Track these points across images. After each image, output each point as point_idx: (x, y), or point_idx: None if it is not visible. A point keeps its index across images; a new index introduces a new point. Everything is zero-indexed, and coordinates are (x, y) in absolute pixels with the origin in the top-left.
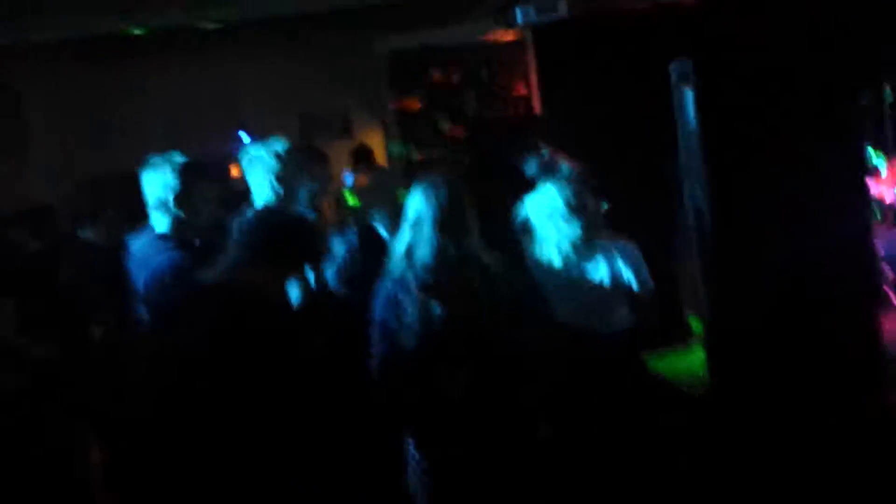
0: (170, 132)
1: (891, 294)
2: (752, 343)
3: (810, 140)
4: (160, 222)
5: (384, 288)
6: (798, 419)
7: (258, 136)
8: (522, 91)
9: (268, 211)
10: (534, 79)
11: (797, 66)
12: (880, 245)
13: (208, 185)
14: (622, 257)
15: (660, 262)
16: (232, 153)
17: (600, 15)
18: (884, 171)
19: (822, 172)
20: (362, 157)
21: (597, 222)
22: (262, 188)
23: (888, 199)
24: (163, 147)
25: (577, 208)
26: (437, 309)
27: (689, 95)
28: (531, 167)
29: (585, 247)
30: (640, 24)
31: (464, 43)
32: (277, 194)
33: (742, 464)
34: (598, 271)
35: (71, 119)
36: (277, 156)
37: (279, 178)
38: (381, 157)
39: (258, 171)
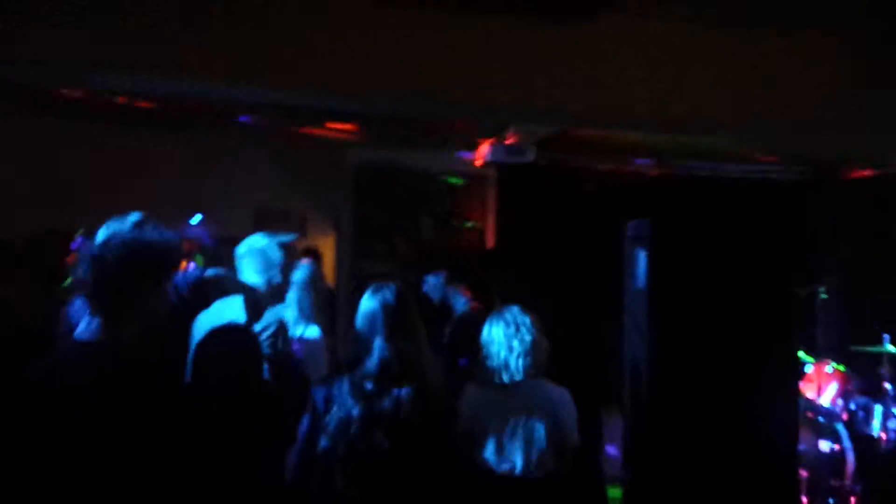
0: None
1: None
2: None
3: (750, 321)
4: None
5: (325, 386)
6: None
7: (212, 224)
8: (479, 223)
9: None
10: (491, 214)
11: (744, 251)
12: (801, 446)
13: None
14: (556, 404)
15: (590, 415)
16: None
17: (564, 166)
18: (814, 372)
19: (757, 354)
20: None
21: (537, 361)
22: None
23: (814, 401)
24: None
25: (521, 345)
26: (360, 416)
27: (641, 255)
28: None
29: (528, 385)
30: (600, 181)
31: (430, 168)
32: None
33: None
34: (534, 410)
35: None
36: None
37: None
38: (329, 262)
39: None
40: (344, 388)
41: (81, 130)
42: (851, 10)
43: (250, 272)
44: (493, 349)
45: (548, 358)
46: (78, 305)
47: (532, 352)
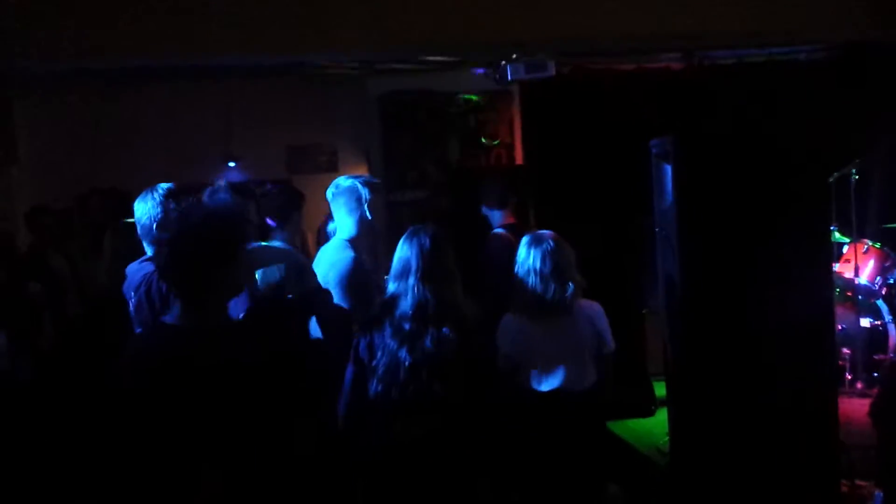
0: (158, 160)
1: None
2: (713, 411)
3: (779, 218)
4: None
5: (365, 335)
6: (757, 491)
7: (246, 167)
8: (506, 141)
9: None
10: (518, 131)
11: (770, 146)
12: (839, 323)
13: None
14: (592, 318)
15: (629, 327)
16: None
17: (587, 75)
18: (851, 251)
19: (789, 251)
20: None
21: (573, 284)
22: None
23: (852, 280)
24: (151, 174)
25: (555, 270)
26: (407, 359)
27: (668, 170)
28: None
29: (561, 306)
30: (622, 86)
31: (453, 91)
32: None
33: None
34: (571, 330)
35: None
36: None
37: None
38: None
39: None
40: (386, 332)
41: (109, 91)
42: None
43: (341, 212)
44: (527, 276)
45: (580, 276)
46: (135, 270)
47: (564, 275)
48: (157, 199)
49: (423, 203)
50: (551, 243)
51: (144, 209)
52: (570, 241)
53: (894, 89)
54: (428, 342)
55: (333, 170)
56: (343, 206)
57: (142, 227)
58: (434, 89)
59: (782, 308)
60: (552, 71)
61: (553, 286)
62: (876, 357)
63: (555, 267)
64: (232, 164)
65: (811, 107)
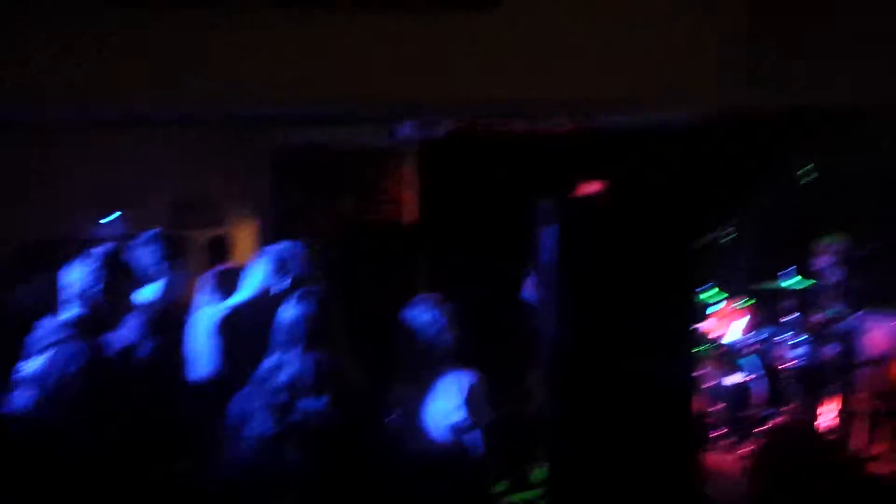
0: (40, 211)
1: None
2: (587, 469)
3: (650, 280)
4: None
5: (242, 395)
6: None
7: (129, 219)
8: (402, 197)
9: None
10: (414, 187)
11: (645, 210)
12: (712, 378)
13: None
14: (464, 387)
15: (509, 395)
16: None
17: (481, 135)
18: (722, 309)
19: (659, 313)
20: (217, 249)
21: (449, 351)
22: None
23: (723, 337)
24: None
25: (437, 336)
26: (280, 429)
27: (550, 232)
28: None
29: (437, 372)
30: (514, 146)
31: (349, 145)
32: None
33: None
34: (445, 398)
35: None
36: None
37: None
38: (250, 247)
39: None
40: (259, 401)
41: None
42: None
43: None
44: (409, 338)
45: (460, 340)
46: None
47: (443, 339)
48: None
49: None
50: (432, 306)
51: (78, 275)
52: (461, 298)
53: (767, 155)
54: (306, 413)
55: (220, 224)
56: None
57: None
58: (328, 143)
59: (650, 368)
60: (443, 131)
61: (430, 349)
62: (746, 412)
63: (434, 331)
64: (113, 217)
65: (690, 170)
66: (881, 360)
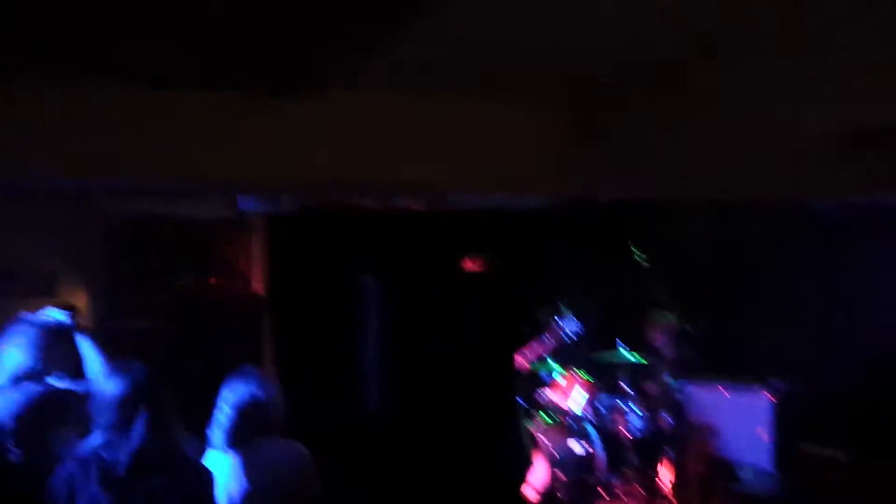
0: None
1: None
2: None
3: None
4: None
5: (65, 472)
6: None
7: None
8: (246, 270)
9: None
10: (258, 260)
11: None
12: (555, 449)
13: None
14: (294, 457)
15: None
16: None
17: (331, 211)
18: (562, 381)
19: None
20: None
21: (275, 424)
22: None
23: (564, 407)
24: None
25: (260, 407)
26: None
27: (370, 297)
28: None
29: (254, 447)
30: (364, 223)
31: (189, 215)
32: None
33: None
34: (270, 472)
35: None
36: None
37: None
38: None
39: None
40: (91, 480)
41: None
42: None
43: None
44: (228, 412)
45: (285, 414)
46: None
47: (264, 412)
48: None
49: (148, 333)
50: (254, 378)
51: None
52: (304, 374)
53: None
54: (142, 494)
55: (49, 294)
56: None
57: None
58: (167, 214)
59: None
60: (286, 206)
61: (250, 423)
62: (587, 479)
63: (255, 402)
64: None
65: (533, 250)
66: (706, 429)
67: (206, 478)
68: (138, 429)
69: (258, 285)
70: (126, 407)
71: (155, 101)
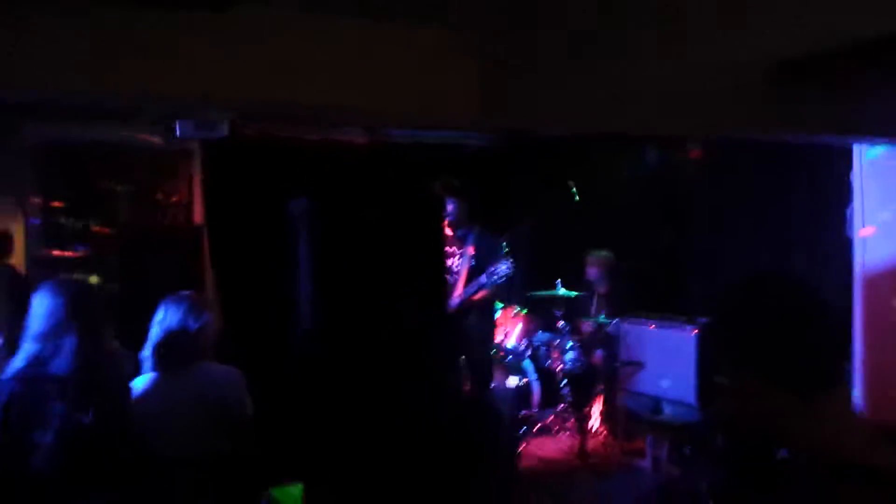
0: None
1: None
2: None
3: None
4: None
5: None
6: None
7: None
8: (183, 199)
9: None
10: (197, 188)
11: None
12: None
13: None
14: (225, 383)
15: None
16: None
17: (271, 141)
18: (499, 316)
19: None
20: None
21: (207, 346)
22: None
23: (500, 342)
24: None
25: (191, 329)
26: (76, 418)
27: (303, 230)
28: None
29: (185, 370)
30: (303, 154)
31: (123, 143)
32: None
33: None
34: (196, 395)
35: None
36: None
37: None
38: (18, 248)
39: None
40: (32, 390)
41: None
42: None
43: None
44: (160, 335)
45: (217, 338)
46: None
47: (197, 336)
48: None
49: (85, 261)
50: (185, 302)
51: None
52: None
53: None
54: (75, 407)
55: None
56: None
57: None
58: (101, 140)
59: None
60: (224, 132)
61: (182, 346)
62: (523, 412)
63: (186, 326)
64: None
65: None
66: (636, 364)
67: (125, 393)
68: (69, 341)
69: (195, 212)
70: (57, 320)
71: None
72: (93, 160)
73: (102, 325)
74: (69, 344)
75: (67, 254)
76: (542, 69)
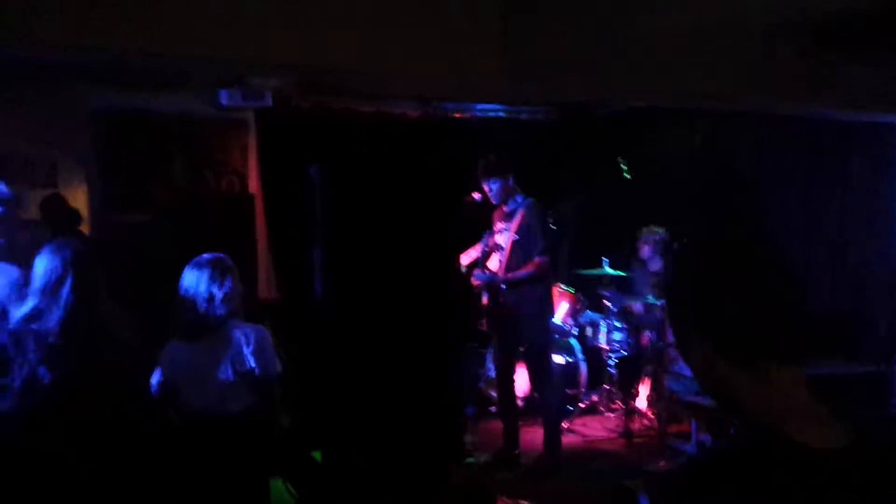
0: None
1: None
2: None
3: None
4: None
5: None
6: None
7: None
8: (237, 167)
9: None
10: (251, 157)
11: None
12: None
13: None
14: (250, 342)
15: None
16: None
17: (326, 113)
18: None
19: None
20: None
21: (232, 307)
22: None
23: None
24: None
25: (217, 294)
26: (46, 376)
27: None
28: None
29: (216, 330)
30: (359, 126)
31: (180, 111)
32: None
33: None
34: (225, 354)
35: None
36: None
37: None
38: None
39: None
40: (28, 342)
41: None
42: None
43: None
44: (189, 297)
45: (242, 300)
46: None
47: (227, 298)
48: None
49: (146, 226)
50: (213, 264)
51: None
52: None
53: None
54: (72, 359)
55: (51, 185)
56: None
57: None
58: (157, 109)
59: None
60: (269, 100)
61: (212, 307)
62: (569, 391)
63: (214, 288)
64: None
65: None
66: None
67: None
68: (65, 299)
69: (247, 180)
70: (56, 278)
71: None
72: (151, 128)
73: (96, 283)
74: (62, 299)
75: (129, 220)
76: (571, 37)
